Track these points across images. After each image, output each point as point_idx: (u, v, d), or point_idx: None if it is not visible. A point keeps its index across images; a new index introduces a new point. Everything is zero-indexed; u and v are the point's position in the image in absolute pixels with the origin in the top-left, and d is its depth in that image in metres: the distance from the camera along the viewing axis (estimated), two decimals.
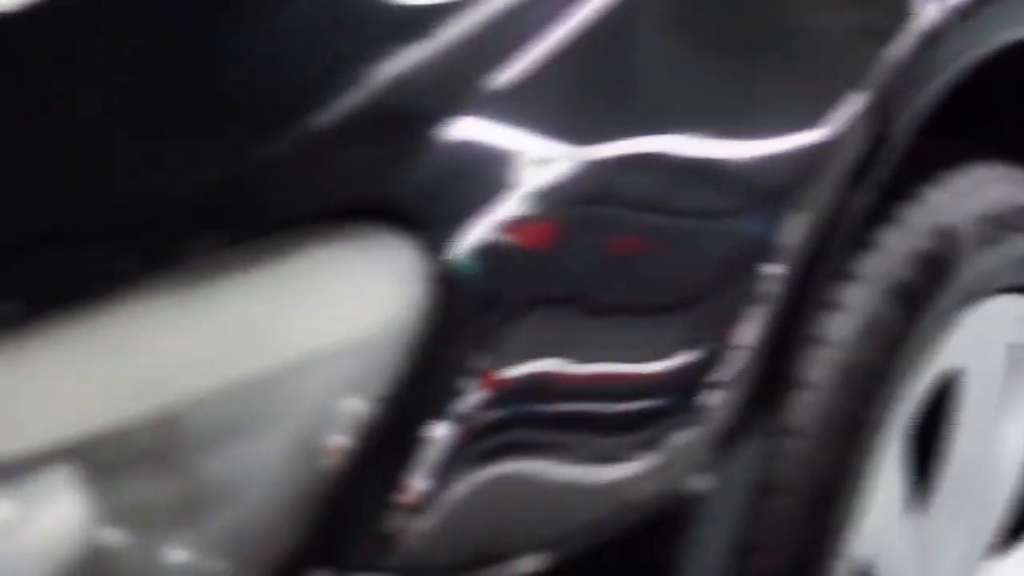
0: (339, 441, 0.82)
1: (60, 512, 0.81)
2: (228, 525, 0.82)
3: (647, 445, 0.90)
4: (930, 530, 1.29)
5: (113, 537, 0.81)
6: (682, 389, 0.92)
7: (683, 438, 0.91)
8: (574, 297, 0.89)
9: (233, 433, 0.82)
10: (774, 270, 0.95)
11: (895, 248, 1.12)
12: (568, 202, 0.89)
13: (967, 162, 1.23)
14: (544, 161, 0.88)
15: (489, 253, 0.85)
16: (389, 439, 0.83)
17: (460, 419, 0.84)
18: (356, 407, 0.83)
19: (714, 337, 0.93)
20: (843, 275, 1.07)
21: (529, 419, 0.87)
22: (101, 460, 0.81)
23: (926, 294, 1.13)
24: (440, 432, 0.83)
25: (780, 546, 0.99)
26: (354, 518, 0.83)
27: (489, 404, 0.85)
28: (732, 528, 0.96)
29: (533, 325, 0.87)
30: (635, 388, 0.91)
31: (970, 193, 1.20)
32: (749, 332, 0.94)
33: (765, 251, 0.96)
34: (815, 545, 1.02)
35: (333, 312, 0.84)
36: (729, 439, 0.93)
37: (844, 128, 1.00)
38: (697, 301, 0.94)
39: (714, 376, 0.93)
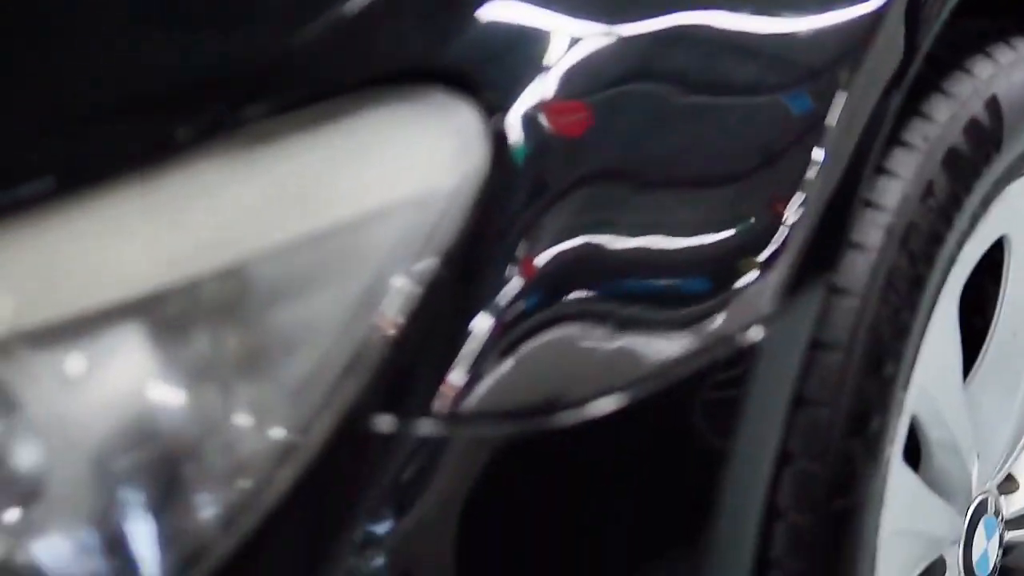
0: (402, 293, 0.83)
1: (128, 367, 0.82)
2: (293, 377, 0.83)
3: (711, 303, 0.93)
4: (978, 395, 1.30)
5: (180, 391, 0.82)
6: (740, 254, 0.94)
7: (744, 294, 0.93)
8: (621, 172, 0.90)
9: (297, 287, 0.83)
10: (824, 142, 0.96)
11: (944, 118, 1.12)
12: (610, 79, 0.90)
13: (1010, 37, 1.23)
14: (586, 39, 0.89)
15: (535, 125, 0.86)
16: (450, 293, 0.84)
17: (524, 277, 0.85)
18: (419, 261, 0.84)
19: (769, 203, 0.95)
20: (895, 143, 1.08)
21: (593, 280, 0.89)
22: (167, 316, 0.82)
23: (973, 162, 1.14)
24: (503, 286, 0.85)
25: (833, 400, 1.01)
26: (417, 367, 0.84)
27: (551, 267, 0.86)
28: (788, 381, 0.98)
29: (592, 194, 0.88)
30: (701, 253, 0.93)
31: (1015, 66, 1.20)
32: (803, 199, 0.95)
33: (814, 125, 0.97)
34: (867, 401, 1.03)
35: (396, 170, 0.85)
36: (786, 297, 0.95)
37: (886, 4, 1.01)
38: (749, 171, 0.95)
39: (769, 240, 0.94)
